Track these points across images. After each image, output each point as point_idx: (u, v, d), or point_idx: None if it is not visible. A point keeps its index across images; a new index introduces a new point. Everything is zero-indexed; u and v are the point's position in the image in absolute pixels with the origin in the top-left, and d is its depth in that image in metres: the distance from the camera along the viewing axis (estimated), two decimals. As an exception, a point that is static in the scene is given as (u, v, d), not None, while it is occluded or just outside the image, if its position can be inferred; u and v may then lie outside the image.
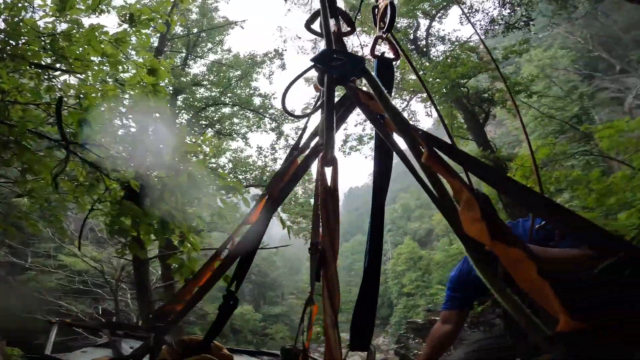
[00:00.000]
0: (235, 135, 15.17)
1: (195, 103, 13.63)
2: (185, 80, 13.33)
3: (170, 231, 2.94)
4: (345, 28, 1.18)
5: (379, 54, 1.15)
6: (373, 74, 0.94)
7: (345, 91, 1.03)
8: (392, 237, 37.07)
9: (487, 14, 8.75)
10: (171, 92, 12.46)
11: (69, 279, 10.24)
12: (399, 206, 38.52)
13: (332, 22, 1.13)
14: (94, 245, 10.80)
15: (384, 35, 1.19)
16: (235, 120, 15.14)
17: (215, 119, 14.57)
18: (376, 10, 1.22)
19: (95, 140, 3.01)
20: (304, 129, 1.27)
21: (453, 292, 1.73)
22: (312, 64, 0.98)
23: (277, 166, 15.67)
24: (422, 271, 25.22)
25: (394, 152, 0.92)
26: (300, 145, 1.16)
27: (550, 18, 9.35)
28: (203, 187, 3.10)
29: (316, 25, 1.21)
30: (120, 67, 3.02)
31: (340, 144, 16.80)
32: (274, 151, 15.42)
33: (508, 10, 8.16)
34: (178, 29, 13.91)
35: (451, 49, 11.72)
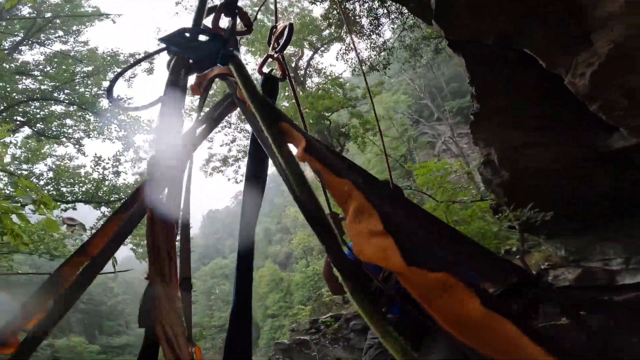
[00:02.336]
0: (64, 140, 12.46)
1: (14, 95, 10.55)
2: (8, 67, 10.31)
3: None
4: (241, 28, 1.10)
5: (266, 72, 1.12)
6: (242, 62, 0.79)
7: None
8: (254, 261, 36.85)
9: (358, 54, 10.27)
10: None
11: None
12: (260, 230, 39.02)
13: (228, 19, 1.01)
14: None
15: (275, 55, 1.17)
16: (69, 121, 12.53)
17: (38, 116, 11.51)
18: (274, 30, 1.22)
19: None
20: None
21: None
22: (165, 42, 0.77)
23: (120, 180, 13.44)
24: (284, 292, 25.77)
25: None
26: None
27: (402, 64, 11.49)
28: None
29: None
30: None
31: (203, 163, 15.90)
32: (117, 163, 13.21)
33: (374, 53, 9.66)
34: (26, 10, 10.92)
35: (324, 82, 12.85)
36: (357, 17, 8.69)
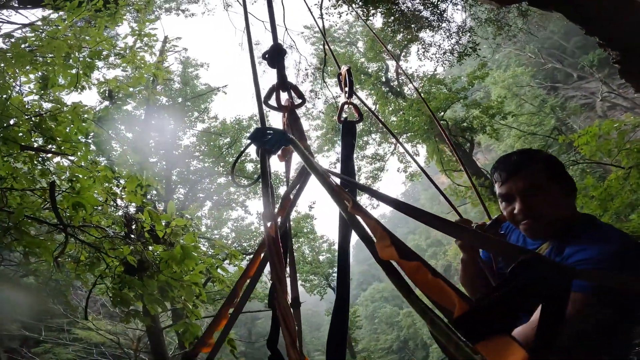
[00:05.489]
0: (234, 205, 15.27)
1: (190, 176, 13.80)
2: (176, 153, 13.53)
3: (170, 299, 3.03)
4: (297, 100, 1.32)
5: (343, 119, 1.28)
6: (297, 142, 1.07)
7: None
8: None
9: (439, 46, 9.80)
10: (165, 166, 12.79)
11: (86, 350, 10.80)
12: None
13: (285, 95, 1.29)
14: (107, 320, 11.31)
15: (348, 101, 1.30)
16: (232, 189, 15.09)
17: (212, 190, 14.79)
18: (340, 77, 1.35)
19: (92, 222, 3.19)
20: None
21: None
22: (249, 141, 1.13)
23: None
24: (450, 307, 24.22)
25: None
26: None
27: (493, 39, 10.38)
28: (196, 257, 3.21)
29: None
30: (106, 149, 3.27)
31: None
32: (274, 216, 15.46)
33: (454, 40, 9.16)
34: (163, 100, 14.03)
35: (421, 84, 12.56)
36: (417, 13, 8.37)
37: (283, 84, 1.29)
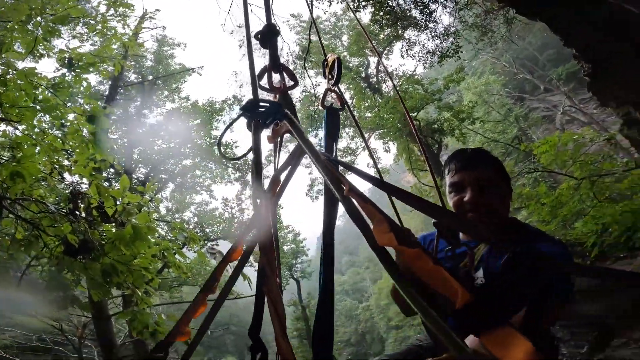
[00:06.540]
0: (198, 189, 14.73)
1: (154, 156, 13.11)
2: (141, 131, 12.82)
3: (116, 285, 2.77)
4: (289, 82, 1.30)
5: (328, 105, 1.27)
6: (294, 118, 1.02)
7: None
8: (371, 274, 37.15)
9: (423, 45, 10.03)
10: (126, 144, 12.04)
11: (25, 336, 10.03)
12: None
13: (277, 77, 1.26)
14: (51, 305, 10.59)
15: (333, 88, 1.30)
16: (198, 172, 14.64)
17: (175, 172, 14.14)
18: (326, 63, 1.34)
19: (32, 196, 2.84)
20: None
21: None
22: (241, 112, 1.07)
23: (245, 217, 15.17)
24: (407, 302, 25.28)
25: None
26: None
27: (475, 44, 10.80)
28: (149, 239, 2.95)
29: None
30: (58, 115, 2.93)
31: (307, 189, 16.95)
32: (240, 202, 15.03)
33: (438, 41, 9.42)
34: (132, 76, 13.52)
35: (399, 83, 12.76)
36: (406, 11, 8.55)
37: (275, 65, 1.25)
